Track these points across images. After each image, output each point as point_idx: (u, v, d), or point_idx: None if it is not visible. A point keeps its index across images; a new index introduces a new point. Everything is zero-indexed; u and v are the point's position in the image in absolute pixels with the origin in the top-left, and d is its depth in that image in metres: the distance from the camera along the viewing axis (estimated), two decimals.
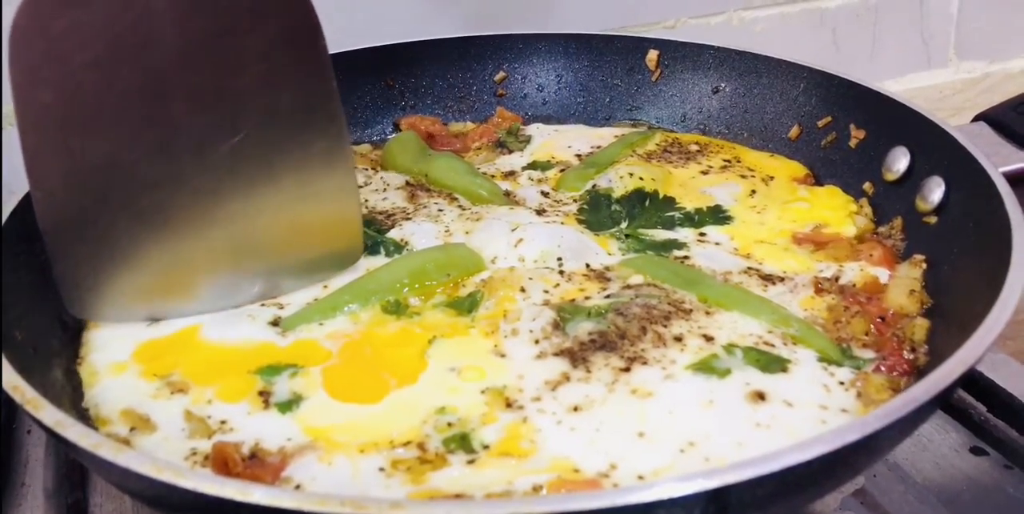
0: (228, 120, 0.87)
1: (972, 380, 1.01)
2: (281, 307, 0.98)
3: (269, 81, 0.87)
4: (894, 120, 1.10)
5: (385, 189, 1.18)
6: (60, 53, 0.80)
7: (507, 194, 1.17)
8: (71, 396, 0.89)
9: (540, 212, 1.12)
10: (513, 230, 1.06)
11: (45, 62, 0.80)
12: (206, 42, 0.84)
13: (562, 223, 1.09)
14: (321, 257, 0.99)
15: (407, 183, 1.20)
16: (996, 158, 0.98)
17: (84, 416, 0.87)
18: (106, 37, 0.81)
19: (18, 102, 0.81)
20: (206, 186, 0.89)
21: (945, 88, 1.90)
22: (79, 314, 0.94)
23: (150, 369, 0.91)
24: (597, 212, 1.12)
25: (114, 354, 0.93)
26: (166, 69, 0.84)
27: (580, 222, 1.10)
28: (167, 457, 0.80)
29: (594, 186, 1.17)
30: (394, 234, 1.07)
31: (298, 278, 0.99)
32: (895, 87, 1.80)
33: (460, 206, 1.14)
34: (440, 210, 1.13)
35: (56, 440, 0.73)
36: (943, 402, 0.75)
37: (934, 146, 1.03)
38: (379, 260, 1.03)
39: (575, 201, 1.15)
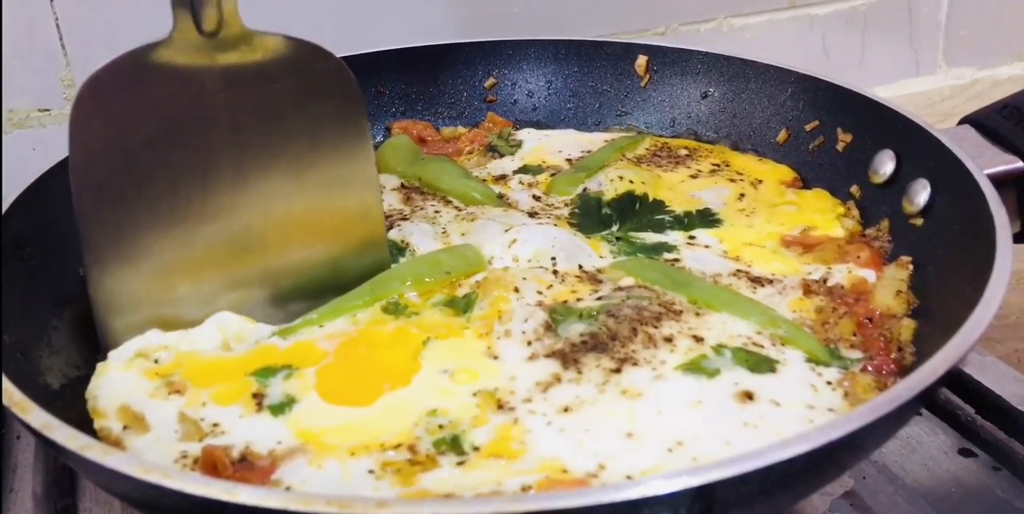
0: (275, 184, 0.93)
1: (961, 382, 1.02)
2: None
3: (312, 149, 0.93)
4: (880, 124, 1.10)
5: (381, 192, 1.18)
6: (117, 132, 0.85)
7: (500, 197, 1.17)
8: (65, 399, 0.88)
9: (532, 215, 1.13)
10: (507, 230, 1.06)
11: (102, 139, 0.85)
12: (256, 121, 0.90)
13: (555, 225, 1.09)
14: (346, 263, 1.00)
15: (402, 185, 1.20)
16: (981, 160, 0.98)
17: (78, 417, 0.87)
18: (161, 117, 0.86)
19: (74, 176, 0.85)
20: (245, 203, 0.93)
21: (934, 94, 1.91)
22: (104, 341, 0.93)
23: (154, 368, 0.90)
24: (588, 215, 1.13)
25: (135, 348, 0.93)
26: (216, 149, 0.89)
27: (572, 225, 1.11)
28: (157, 459, 0.80)
29: (585, 190, 1.18)
30: (393, 235, 1.07)
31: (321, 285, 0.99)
32: (884, 93, 1.81)
33: (455, 207, 1.15)
34: (436, 212, 1.14)
35: (44, 443, 0.73)
36: (927, 401, 0.75)
37: (920, 149, 1.03)
38: None
39: (566, 205, 1.16)
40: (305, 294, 0.98)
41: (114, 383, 0.89)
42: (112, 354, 0.92)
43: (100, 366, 0.91)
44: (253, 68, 0.88)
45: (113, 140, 0.85)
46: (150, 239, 0.90)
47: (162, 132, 0.87)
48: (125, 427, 0.84)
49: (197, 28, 0.85)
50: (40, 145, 1.38)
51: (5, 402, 0.74)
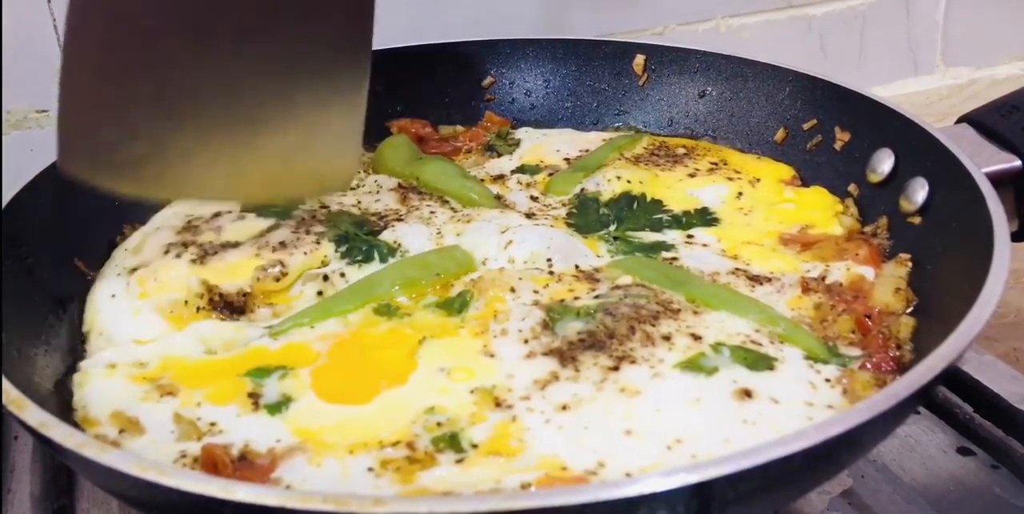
0: (266, 24, 0.87)
1: (959, 381, 1.01)
2: (277, 316, 0.98)
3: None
4: (879, 122, 1.10)
5: (378, 191, 1.18)
6: None
7: (497, 198, 1.17)
8: (59, 400, 0.88)
9: (529, 216, 1.12)
10: (503, 232, 1.06)
11: None
12: None
13: (551, 226, 1.09)
14: (317, 172, 0.96)
15: (399, 185, 1.20)
16: (979, 159, 0.98)
17: (72, 418, 0.87)
18: None
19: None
20: (231, 82, 0.88)
21: (932, 94, 1.91)
22: (68, 170, 0.88)
23: (141, 373, 0.91)
24: (586, 216, 1.13)
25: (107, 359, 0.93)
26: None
27: (569, 226, 1.11)
28: (156, 460, 0.80)
29: (582, 190, 1.18)
30: (386, 236, 1.07)
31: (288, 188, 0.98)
32: (883, 93, 1.80)
33: (452, 208, 1.15)
34: (432, 212, 1.13)
35: (40, 441, 0.73)
36: (925, 399, 0.76)
37: (918, 147, 1.04)
38: (374, 266, 1.03)
39: (564, 205, 1.16)
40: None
41: (101, 391, 0.89)
42: (83, 364, 0.93)
43: (77, 377, 0.91)
44: None
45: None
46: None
47: None
48: (121, 431, 0.84)
49: None
50: (38, 146, 1.38)
51: (2, 400, 0.74)
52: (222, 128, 0.90)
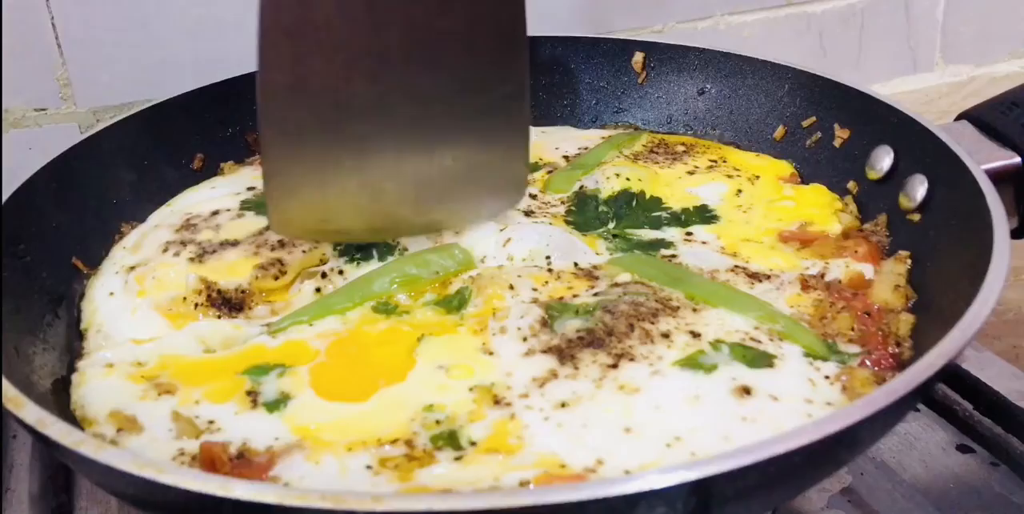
0: (432, 57, 0.94)
1: (959, 378, 1.01)
2: (275, 314, 0.98)
3: (471, 24, 0.94)
4: (878, 119, 1.10)
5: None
6: (299, 15, 0.87)
7: None
8: (57, 398, 0.88)
9: (528, 213, 1.12)
10: (501, 230, 1.06)
11: (288, 8, 0.86)
12: (422, 20, 0.91)
13: (550, 224, 1.09)
14: (487, 195, 1.05)
15: None
16: (978, 156, 0.98)
17: (71, 417, 0.87)
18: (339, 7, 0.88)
19: (262, 23, 0.86)
20: (403, 114, 0.95)
21: (931, 92, 1.90)
22: (280, 232, 1.00)
23: (139, 371, 0.90)
24: (584, 213, 1.12)
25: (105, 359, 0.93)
26: (388, 3, 0.90)
27: (568, 224, 1.10)
28: (154, 458, 0.80)
29: (581, 187, 1.18)
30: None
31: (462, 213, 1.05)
32: (882, 91, 1.79)
33: None
34: None
35: (38, 439, 0.73)
36: (924, 396, 0.75)
37: (917, 145, 1.03)
38: (372, 264, 1.03)
39: (563, 203, 1.15)
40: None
41: (99, 390, 0.89)
42: (81, 364, 0.93)
43: (75, 376, 0.91)
44: None
45: (298, 8, 0.87)
46: (322, 118, 0.93)
47: (338, 13, 0.89)
48: (119, 430, 0.84)
49: None
50: (36, 145, 1.38)
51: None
52: (409, 160, 0.98)
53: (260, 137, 0.93)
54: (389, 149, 0.96)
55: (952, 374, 1.01)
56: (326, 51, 0.90)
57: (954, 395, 1.01)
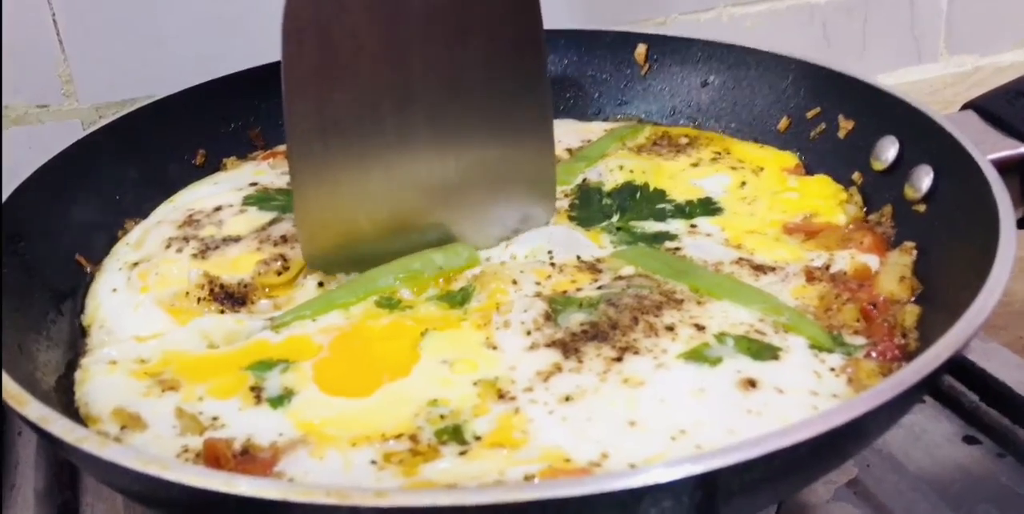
0: (453, 83, 0.97)
1: (964, 369, 1.01)
2: (278, 308, 0.98)
3: (490, 53, 0.96)
4: (882, 110, 1.09)
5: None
6: (323, 19, 0.89)
7: None
8: (60, 395, 0.88)
9: None
10: None
11: (309, 27, 0.89)
12: (443, 12, 0.93)
13: (553, 221, 1.08)
14: (515, 212, 1.06)
15: None
16: (984, 146, 0.97)
17: (74, 415, 0.86)
18: (363, 5, 0.90)
19: (285, 60, 0.89)
20: (429, 140, 0.98)
21: (936, 82, 1.90)
22: (314, 265, 1.00)
23: (142, 368, 0.90)
24: (588, 207, 1.12)
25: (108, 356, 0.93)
26: (409, 37, 0.93)
27: (571, 219, 1.10)
28: (158, 454, 0.80)
29: (584, 180, 1.17)
30: None
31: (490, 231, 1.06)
32: (887, 81, 1.78)
33: None
34: None
35: (41, 436, 0.73)
36: (930, 387, 0.75)
37: (922, 135, 1.03)
38: None
39: (566, 196, 1.15)
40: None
41: (102, 388, 0.88)
42: (84, 362, 0.92)
43: (78, 374, 0.91)
44: None
45: (320, 28, 0.89)
46: (350, 131, 0.95)
47: (363, 20, 0.91)
48: (123, 427, 0.84)
49: None
50: (38, 142, 1.38)
51: (2, 395, 0.74)
52: (436, 178, 1.00)
53: (290, 166, 0.95)
54: (416, 168, 0.99)
55: (958, 365, 1.01)
56: (350, 89, 0.93)
57: (960, 386, 1.01)
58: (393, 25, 0.92)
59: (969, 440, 0.98)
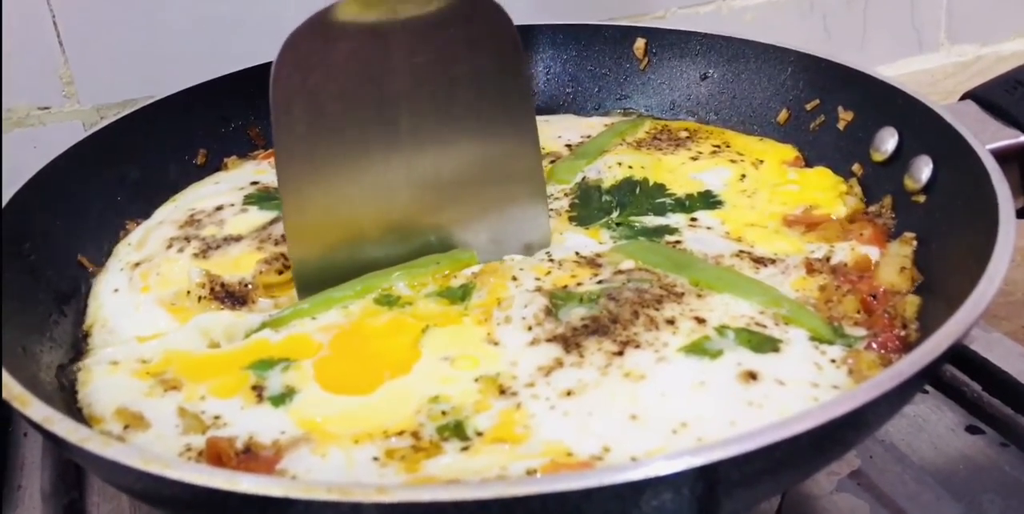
0: (441, 133, 0.99)
1: (967, 359, 1.01)
2: (278, 307, 0.98)
3: (479, 103, 0.99)
4: (881, 101, 1.09)
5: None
6: (311, 86, 0.92)
7: None
8: (63, 396, 0.89)
9: None
10: None
11: (298, 95, 0.91)
12: (429, 70, 0.96)
13: (554, 228, 1.08)
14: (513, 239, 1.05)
15: None
16: (983, 136, 0.97)
17: (78, 416, 0.87)
18: (350, 69, 0.93)
19: (275, 123, 0.92)
20: (417, 170, 0.99)
21: (937, 72, 1.90)
22: (306, 286, 0.98)
23: (144, 368, 0.91)
24: (588, 205, 1.12)
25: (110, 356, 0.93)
26: (396, 96, 0.95)
27: (571, 220, 1.10)
28: (161, 453, 0.80)
29: (584, 178, 1.17)
30: None
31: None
32: (888, 72, 1.79)
33: None
34: None
35: (45, 436, 0.73)
36: (931, 377, 0.75)
37: (922, 125, 1.02)
38: None
39: (566, 195, 1.15)
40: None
41: (105, 388, 0.89)
42: (87, 363, 0.93)
43: (81, 375, 0.91)
44: (428, 18, 0.94)
45: (309, 93, 0.92)
46: (339, 187, 0.96)
47: (351, 84, 0.93)
48: (126, 427, 0.84)
49: None
50: (40, 143, 1.38)
51: (5, 396, 0.75)
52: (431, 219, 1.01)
53: (276, 170, 0.95)
54: (405, 198, 1.00)
55: (960, 355, 1.01)
56: (338, 140, 0.95)
57: (963, 376, 1.01)
58: (380, 85, 0.94)
59: (972, 430, 0.98)
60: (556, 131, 1.29)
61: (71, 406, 0.87)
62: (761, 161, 1.18)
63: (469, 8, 0.95)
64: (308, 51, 0.90)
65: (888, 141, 1.07)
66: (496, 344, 0.89)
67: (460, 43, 0.96)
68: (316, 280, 0.97)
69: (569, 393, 0.82)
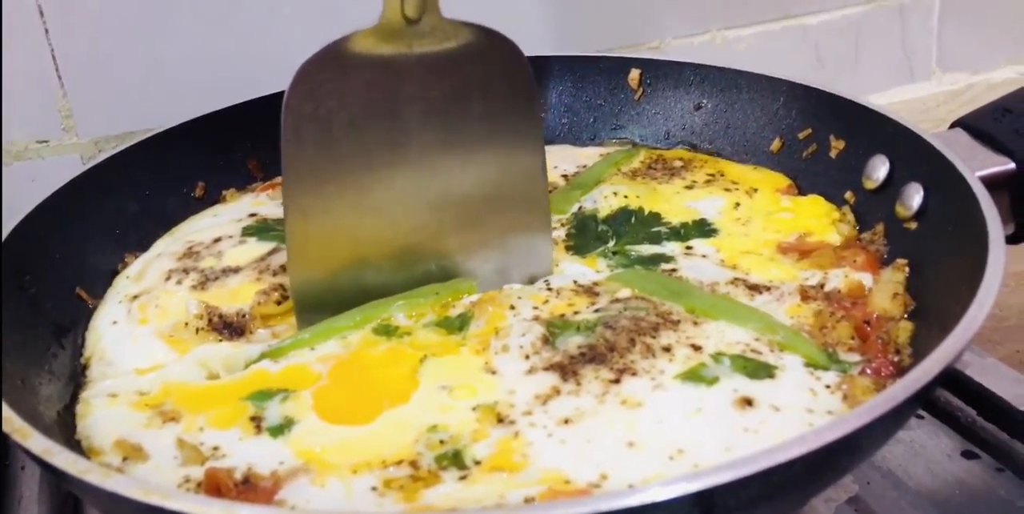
0: (451, 161, 0.99)
1: (962, 384, 1.01)
2: (276, 336, 0.99)
3: (491, 139, 1.00)
4: (872, 129, 1.11)
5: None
6: (322, 114, 0.93)
7: None
8: (62, 428, 0.89)
9: None
10: None
11: (309, 121, 0.93)
12: (442, 104, 0.97)
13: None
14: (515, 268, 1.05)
15: None
16: (973, 163, 0.98)
17: (76, 448, 0.87)
18: (362, 101, 0.94)
19: (285, 151, 0.93)
20: (424, 197, 1.00)
21: (929, 100, 1.91)
22: (305, 316, 0.98)
23: (143, 400, 0.91)
24: (584, 235, 1.13)
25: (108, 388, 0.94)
26: (407, 127, 0.96)
27: (568, 249, 1.11)
28: (160, 485, 0.80)
29: (580, 208, 1.18)
30: None
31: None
32: (879, 100, 1.82)
33: None
34: None
35: (45, 469, 0.74)
36: (924, 401, 0.75)
37: (912, 153, 1.04)
38: None
39: (563, 225, 1.16)
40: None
41: (103, 420, 0.89)
42: (85, 395, 0.93)
43: (80, 407, 0.92)
44: (445, 54, 0.95)
45: (320, 120, 0.93)
46: (345, 213, 0.97)
47: (362, 113, 0.94)
48: (125, 459, 0.84)
49: (402, 14, 0.91)
50: (39, 177, 1.39)
51: (5, 429, 0.75)
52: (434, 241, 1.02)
53: (283, 192, 0.96)
54: (411, 223, 1.01)
55: (955, 380, 1.01)
56: (347, 164, 0.96)
57: (957, 402, 1.01)
58: (392, 115, 0.95)
59: (968, 455, 0.98)
60: (552, 161, 1.28)
61: (69, 439, 0.88)
62: (755, 189, 1.19)
63: (486, 47, 0.96)
64: (322, 79, 0.91)
65: (879, 169, 1.08)
66: (494, 373, 0.89)
67: (475, 80, 0.97)
68: (315, 306, 0.98)
69: (567, 421, 0.83)
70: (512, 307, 0.97)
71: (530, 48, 1.45)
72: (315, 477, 0.80)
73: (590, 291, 1.01)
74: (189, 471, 0.82)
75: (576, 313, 0.97)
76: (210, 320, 0.99)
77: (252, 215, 1.18)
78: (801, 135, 1.21)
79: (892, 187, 1.06)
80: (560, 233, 1.14)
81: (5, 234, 0.98)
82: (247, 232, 1.13)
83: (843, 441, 0.65)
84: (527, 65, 0.98)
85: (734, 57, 1.72)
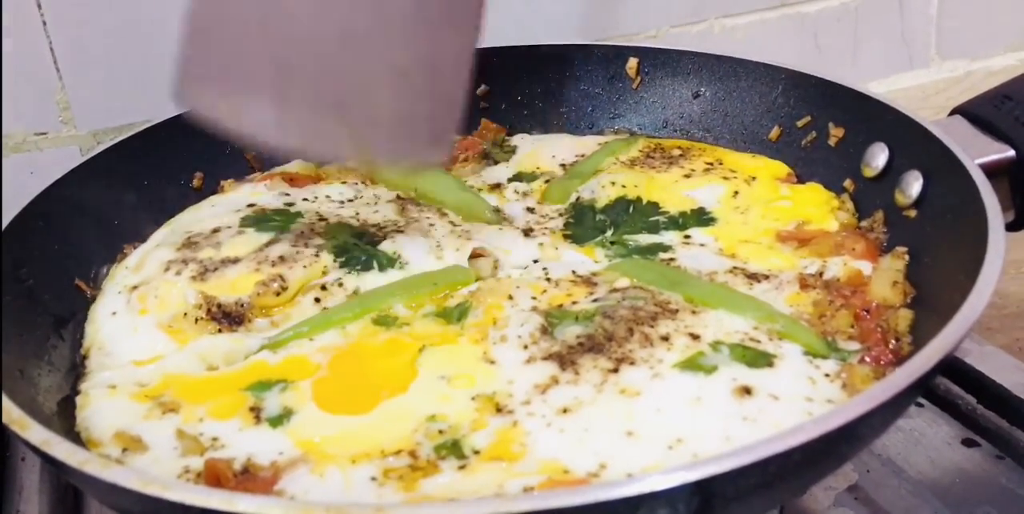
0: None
1: (961, 372, 1.02)
2: (275, 326, 0.99)
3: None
4: (871, 117, 1.10)
5: (376, 203, 1.18)
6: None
7: (496, 210, 1.17)
8: (62, 419, 0.89)
9: (527, 232, 1.12)
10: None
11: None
12: None
13: (548, 243, 1.09)
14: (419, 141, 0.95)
15: (397, 197, 1.20)
16: (972, 150, 0.98)
17: (76, 439, 0.87)
18: None
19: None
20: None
21: (928, 88, 1.91)
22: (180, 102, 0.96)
23: (142, 391, 0.91)
24: (582, 224, 1.13)
25: (108, 379, 0.93)
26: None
27: (566, 238, 1.11)
28: (160, 475, 0.80)
29: (578, 198, 1.18)
30: (386, 246, 1.07)
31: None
32: (879, 88, 1.81)
33: (451, 221, 1.15)
34: (431, 224, 1.13)
35: (44, 460, 0.74)
36: (924, 389, 0.75)
37: (911, 141, 1.04)
38: (372, 275, 1.03)
39: (560, 215, 1.16)
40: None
41: (103, 411, 0.89)
42: (84, 386, 0.93)
43: (80, 399, 0.92)
44: None
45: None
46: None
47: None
48: (124, 450, 0.84)
49: None
50: (37, 169, 1.39)
51: (4, 420, 0.75)
52: (335, 79, 0.90)
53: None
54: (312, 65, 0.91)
55: (955, 368, 1.01)
56: None
57: (958, 389, 1.01)
58: None
59: (968, 443, 0.98)
60: (550, 150, 1.30)
61: (69, 430, 0.88)
62: (754, 178, 1.18)
63: None
64: None
65: (879, 156, 1.08)
66: (492, 363, 0.89)
67: None
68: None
69: (565, 410, 0.83)
70: (510, 297, 0.97)
71: (528, 37, 1.46)
72: (314, 467, 0.80)
73: (588, 281, 1.01)
74: (188, 462, 0.82)
75: (574, 303, 0.97)
76: (209, 310, 0.99)
77: (250, 205, 1.18)
78: (800, 123, 1.21)
79: (891, 175, 1.06)
80: (558, 222, 1.14)
81: (4, 226, 0.98)
82: (245, 222, 1.13)
83: (843, 429, 0.65)
84: None
85: (732, 45, 1.72)
